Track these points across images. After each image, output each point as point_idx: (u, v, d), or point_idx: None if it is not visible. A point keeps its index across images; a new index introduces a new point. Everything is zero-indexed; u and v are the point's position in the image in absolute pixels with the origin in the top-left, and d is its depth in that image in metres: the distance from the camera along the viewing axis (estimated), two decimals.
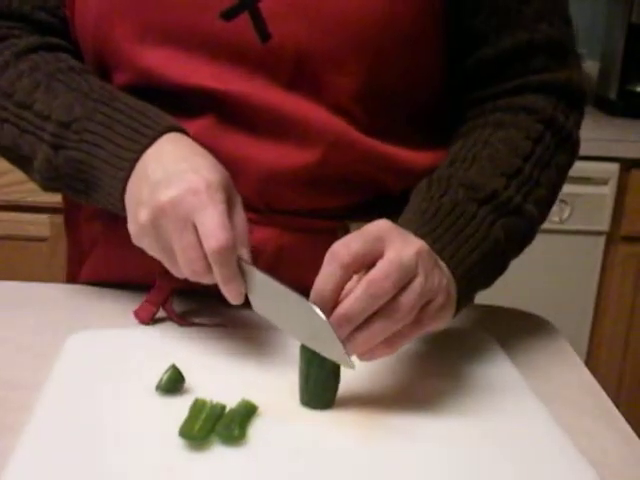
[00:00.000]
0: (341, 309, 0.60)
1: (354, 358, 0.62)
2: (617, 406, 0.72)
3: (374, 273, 0.60)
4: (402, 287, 0.60)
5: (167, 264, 0.68)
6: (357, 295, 0.59)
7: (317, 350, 0.63)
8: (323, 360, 0.63)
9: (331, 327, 0.60)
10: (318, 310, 0.60)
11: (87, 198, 0.76)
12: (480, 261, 0.71)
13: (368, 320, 0.60)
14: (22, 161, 0.79)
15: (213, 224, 0.63)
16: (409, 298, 0.60)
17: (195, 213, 0.64)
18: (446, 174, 0.75)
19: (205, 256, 0.64)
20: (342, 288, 0.60)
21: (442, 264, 0.67)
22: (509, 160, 0.76)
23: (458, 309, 0.69)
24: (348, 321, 0.60)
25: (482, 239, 0.71)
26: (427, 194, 0.74)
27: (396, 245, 0.61)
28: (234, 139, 0.77)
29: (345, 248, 0.60)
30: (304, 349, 0.64)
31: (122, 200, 0.70)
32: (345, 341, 0.61)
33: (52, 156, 0.74)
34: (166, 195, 0.65)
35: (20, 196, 1.80)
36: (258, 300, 0.67)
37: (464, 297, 0.69)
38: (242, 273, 0.65)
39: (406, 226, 0.67)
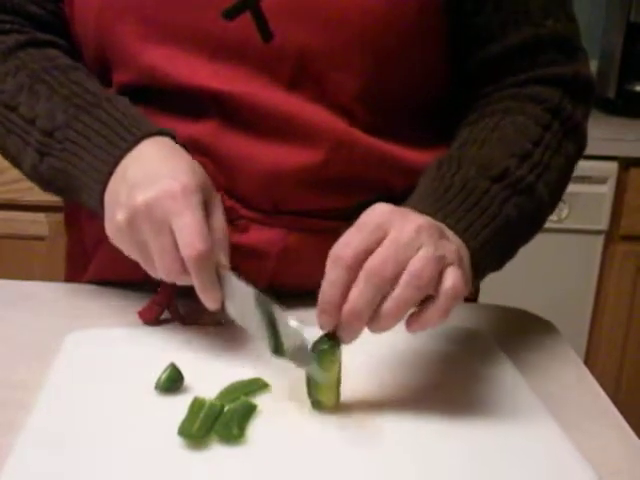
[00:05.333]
0: (347, 306, 0.58)
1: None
2: (615, 404, 0.72)
3: (372, 262, 0.58)
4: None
5: (144, 264, 0.68)
6: (360, 289, 0.58)
7: (289, 361, 0.63)
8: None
9: (305, 342, 0.60)
10: (295, 323, 0.60)
11: (73, 201, 0.77)
12: (493, 237, 0.69)
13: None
14: (12, 161, 0.80)
15: (190, 231, 0.63)
16: (418, 263, 0.58)
17: (172, 217, 0.64)
18: (457, 154, 0.75)
19: (181, 259, 0.64)
20: (349, 288, 0.58)
21: (450, 234, 0.64)
22: (519, 143, 0.75)
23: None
24: (358, 317, 0.58)
25: (495, 215, 0.70)
26: (437, 173, 0.73)
27: (395, 227, 0.59)
28: (238, 139, 0.77)
29: (346, 248, 0.58)
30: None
31: (102, 209, 0.71)
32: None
33: (37, 162, 0.75)
34: (142, 197, 0.65)
35: (18, 195, 1.79)
36: (233, 306, 0.67)
37: (477, 274, 0.68)
38: (219, 279, 0.66)
39: (416, 205, 0.66)
